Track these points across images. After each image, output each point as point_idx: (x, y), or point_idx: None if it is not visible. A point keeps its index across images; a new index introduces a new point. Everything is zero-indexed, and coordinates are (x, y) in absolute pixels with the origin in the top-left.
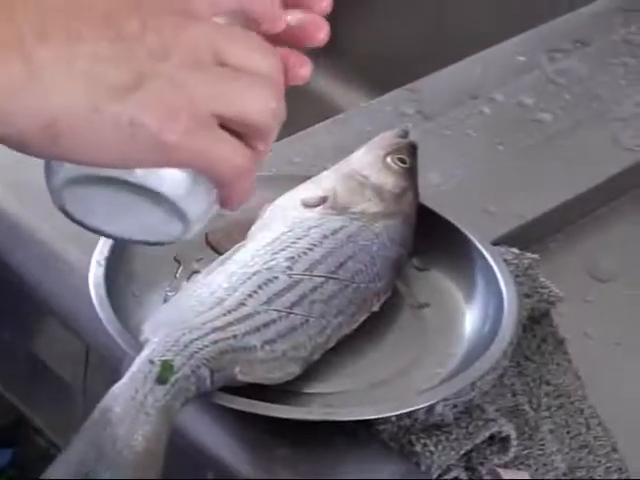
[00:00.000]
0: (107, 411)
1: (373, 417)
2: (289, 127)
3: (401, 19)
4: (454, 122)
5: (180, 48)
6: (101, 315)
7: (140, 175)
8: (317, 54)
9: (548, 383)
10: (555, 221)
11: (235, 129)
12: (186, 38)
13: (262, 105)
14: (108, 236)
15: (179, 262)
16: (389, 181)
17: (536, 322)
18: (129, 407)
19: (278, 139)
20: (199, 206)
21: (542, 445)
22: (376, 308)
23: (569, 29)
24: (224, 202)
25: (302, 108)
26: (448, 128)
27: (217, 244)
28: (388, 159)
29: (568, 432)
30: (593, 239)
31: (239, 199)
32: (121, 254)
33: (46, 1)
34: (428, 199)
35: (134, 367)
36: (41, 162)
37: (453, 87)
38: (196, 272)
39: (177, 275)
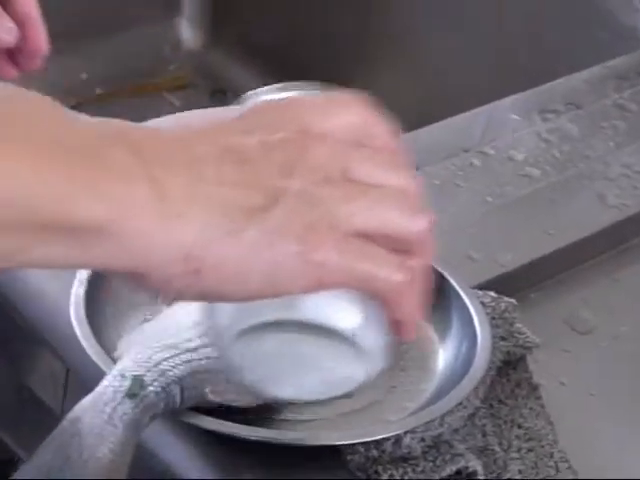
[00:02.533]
0: (76, 421)
1: (338, 443)
2: None
3: (398, 75)
4: (444, 172)
5: (307, 165)
6: (79, 334)
7: (306, 311)
8: None
9: (520, 426)
10: (537, 272)
11: (382, 245)
12: (312, 155)
13: (399, 217)
14: (284, 401)
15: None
16: None
17: (512, 367)
18: (97, 419)
19: None
20: (375, 339)
21: None
22: None
23: (563, 92)
24: (394, 326)
25: None
26: (437, 178)
27: None
28: None
29: (537, 474)
30: (574, 292)
31: (408, 319)
32: (104, 275)
33: (157, 130)
34: None
35: (105, 381)
36: None
37: (445, 140)
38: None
39: (158, 301)
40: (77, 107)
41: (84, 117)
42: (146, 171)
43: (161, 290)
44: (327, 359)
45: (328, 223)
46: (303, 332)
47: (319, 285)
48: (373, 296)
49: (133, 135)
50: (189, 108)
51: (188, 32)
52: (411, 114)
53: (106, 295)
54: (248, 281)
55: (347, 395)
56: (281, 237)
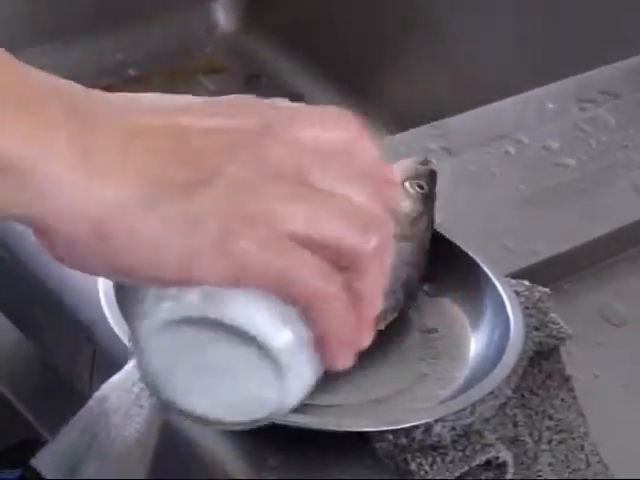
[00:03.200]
0: (103, 400)
1: (368, 430)
2: None
3: (434, 61)
4: (478, 159)
5: (258, 155)
6: (107, 314)
7: (220, 310)
8: (349, 93)
9: (551, 417)
10: (571, 262)
11: (323, 257)
12: (268, 149)
13: (344, 231)
14: (199, 420)
15: None
16: (405, 205)
17: (544, 358)
18: (124, 398)
19: None
20: (295, 354)
21: (539, 477)
22: (382, 327)
23: (601, 82)
24: (318, 346)
25: None
26: (472, 164)
27: None
28: (406, 184)
29: (567, 467)
30: (609, 284)
31: (331, 337)
32: None
33: (104, 96)
34: (446, 229)
35: (133, 361)
36: None
37: (481, 127)
38: None
39: None
40: (110, 88)
41: (34, 70)
42: (75, 125)
43: (66, 253)
44: (245, 373)
45: (262, 218)
46: (225, 335)
47: (235, 280)
48: (287, 297)
49: (74, 93)
50: (223, 92)
51: (223, 16)
52: (447, 101)
53: None
54: (159, 261)
55: (257, 421)
56: (202, 221)
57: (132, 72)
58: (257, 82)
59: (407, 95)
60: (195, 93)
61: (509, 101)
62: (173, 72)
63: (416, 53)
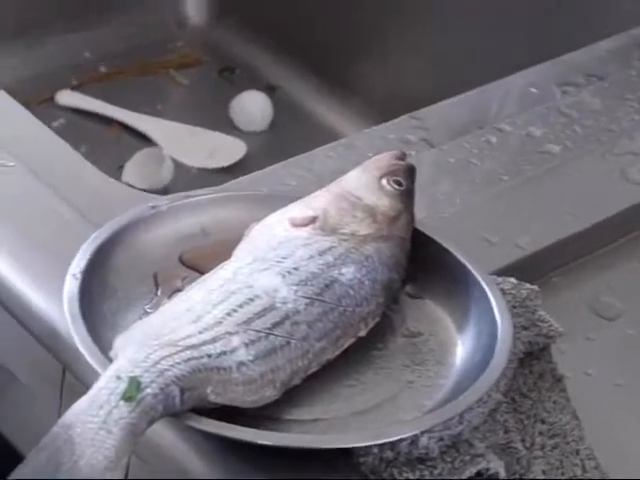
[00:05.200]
0: (68, 427)
1: (351, 446)
2: (288, 153)
3: (410, 50)
4: (459, 150)
5: None
6: (73, 332)
7: None
8: (326, 84)
9: (543, 421)
10: (559, 255)
11: None
12: None
13: None
14: None
15: (157, 282)
16: (383, 203)
17: (535, 358)
18: (91, 424)
19: (273, 163)
20: None
21: None
22: (363, 333)
23: (584, 63)
24: None
25: (304, 135)
26: (452, 156)
27: (195, 263)
28: (383, 180)
29: (562, 474)
30: (598, 276)
31: None
32: (99, 268)
33: None
34: (426, 226)
35: (100, 382)
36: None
37: (460, 116)
38: (179, 290)
39: (158, 293)
40: (80, 87)
41: None
42: None
43: None
44: None
45: None
46: None
47: None
48: None
49: None
50: (198, 86)
51: (194, 9)
52: (423, 91)
53: (102, 289)
54: None
55: None
56: None
57: (103, 69)
58: (231, 75)
59: (386, 85)
60: (169, 88)
61: (488, 87)
62: (145, 68)
63: (394, 42)
